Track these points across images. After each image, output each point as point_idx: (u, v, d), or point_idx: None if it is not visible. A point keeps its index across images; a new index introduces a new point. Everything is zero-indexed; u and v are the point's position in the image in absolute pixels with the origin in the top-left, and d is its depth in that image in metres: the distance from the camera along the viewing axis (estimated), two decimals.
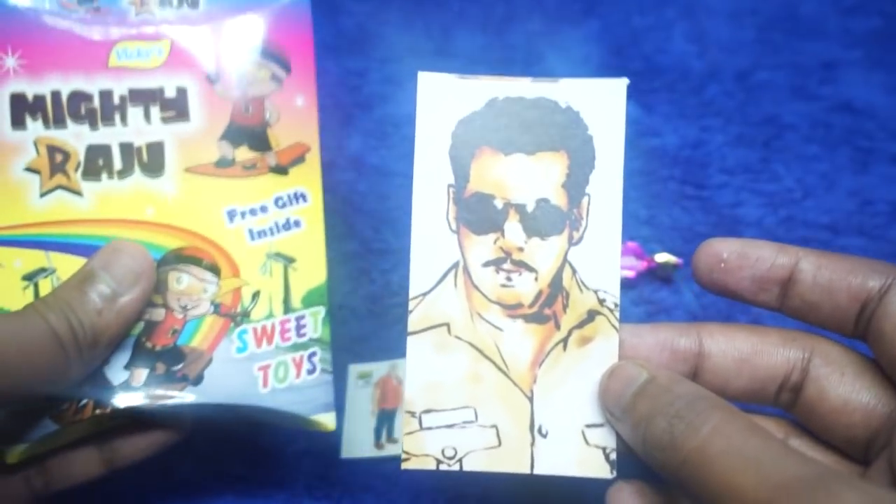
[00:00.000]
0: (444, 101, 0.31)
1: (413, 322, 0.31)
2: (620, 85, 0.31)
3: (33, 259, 0.32)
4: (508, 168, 0.31)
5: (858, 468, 0.29)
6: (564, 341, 0.31)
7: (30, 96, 0.32)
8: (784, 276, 0.30)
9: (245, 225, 0.33)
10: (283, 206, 0.34)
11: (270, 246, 0.33)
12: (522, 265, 0.31)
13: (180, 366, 0.32)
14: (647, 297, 0.45)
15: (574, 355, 0.31)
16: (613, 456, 0.30)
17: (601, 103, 0.31)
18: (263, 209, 0.33)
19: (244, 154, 0.33)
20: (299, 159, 0.34)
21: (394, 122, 0.53)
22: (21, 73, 0.32)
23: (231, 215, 0.33)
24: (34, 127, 0.32)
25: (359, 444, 0.40)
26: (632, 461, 0.30)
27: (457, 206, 0.31)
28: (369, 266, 0.46)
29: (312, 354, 0.34)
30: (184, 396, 0.32)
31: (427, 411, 0.30)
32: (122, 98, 0.33)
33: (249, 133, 0.33)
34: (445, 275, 0.31)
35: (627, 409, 0.28)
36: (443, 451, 0.30)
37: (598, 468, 0.30)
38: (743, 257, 0.31)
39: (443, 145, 0.31)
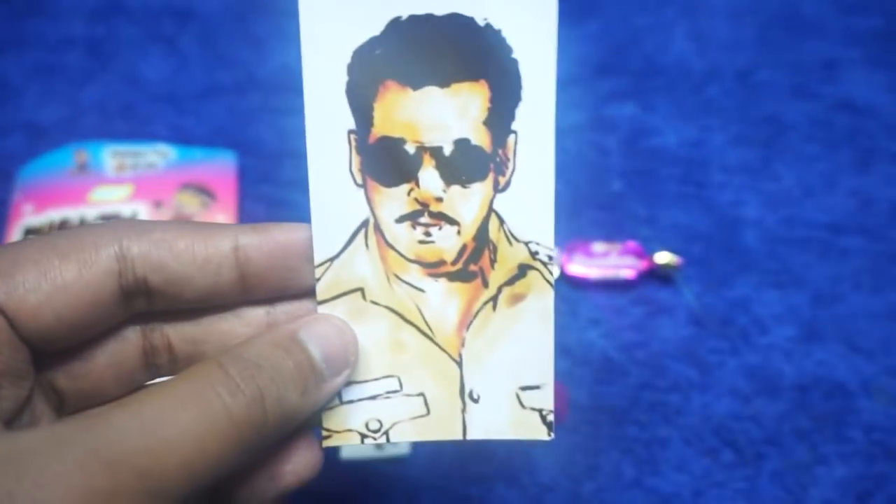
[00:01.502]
0: (334, 26, 0.26)
1: (322, 290, 0.27)
2: None
3: None
4: (419, 105, 0.26)
5: None
6: (494, 300, 0.27)
7: (35, 225, 0.45)
8: None
9: None
10: None
11: None
12: (442, 217, 0.27)
13: None
14: (647, 297, 0.45)
15: (505, 315, 0.27)
16: (551, 417, 0.28)
17: (528, 20, 0.26)
18: None
19: None
20: None
21: None
22: (32, 214, 0.46)
23: None
24: None
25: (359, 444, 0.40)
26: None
27: (361, 156, 0.26)
28: None
29: None
30: None
31: (346, 384, 0.27)
32: (94, 219, 0.45)
33: None
34: (354, 235, 0.27)
35: None
36: (367, 425, 0.28)
37: (534, 430, 0.28)
38: None
39: (338, 83, 0.26)
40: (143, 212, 0.46)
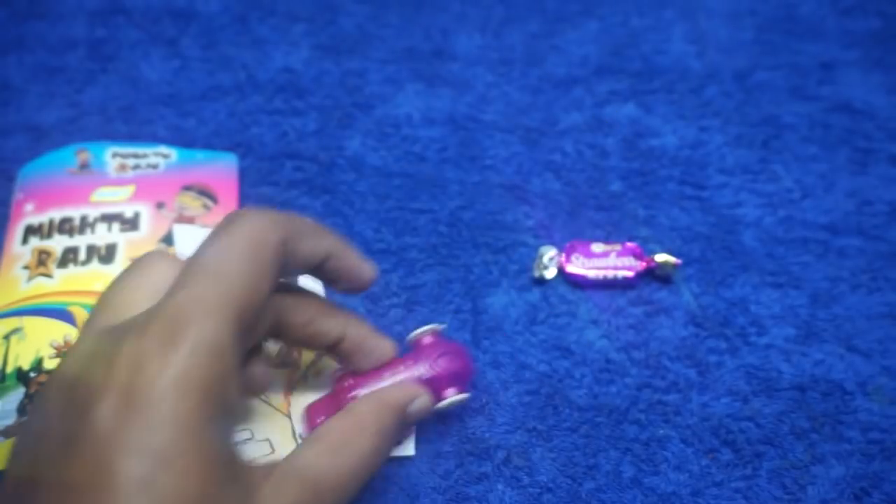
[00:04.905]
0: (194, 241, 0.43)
1: None
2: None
3: (11, 323, 0.42)
4: None
5: None
6: (305, 376, 0.42)
7: (35, 225, 0.45)
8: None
9: None
10: None
11: None
12: None
13: None
14: (647, 297, 0.45)
15: (313, 383, 0.41)
16: None
17: None
18: None
19: (174, 250, 0.45)
20: None
21: (394, 122, 0.53)
22: (33, 213, 0.46)
23: None
24: (33, 241, 0.45)
25: None
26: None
27: None
28: None
29: None
30: None
31: None
32: (95, 219, 0.46)
33: None
34: None
35: None
36: None
37: None
38: None
39: None
40: (145, 212, 0.46)
